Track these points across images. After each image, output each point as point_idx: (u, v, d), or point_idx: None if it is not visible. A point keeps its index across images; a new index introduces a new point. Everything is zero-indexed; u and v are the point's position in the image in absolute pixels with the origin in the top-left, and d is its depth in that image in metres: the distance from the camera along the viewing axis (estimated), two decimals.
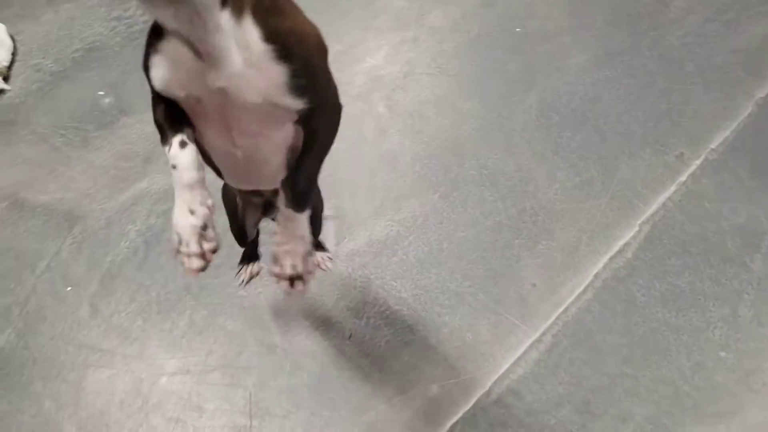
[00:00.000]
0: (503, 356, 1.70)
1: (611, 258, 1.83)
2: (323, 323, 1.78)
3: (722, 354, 1.66)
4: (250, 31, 0.69)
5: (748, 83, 2.11)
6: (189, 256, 0.79)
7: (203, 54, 0.70)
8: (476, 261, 1.85)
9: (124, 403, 1.70)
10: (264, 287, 1.84)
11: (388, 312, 1.79)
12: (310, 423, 1.63)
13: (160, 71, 0.74)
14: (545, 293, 1.78)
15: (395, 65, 2.29)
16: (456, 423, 1.61)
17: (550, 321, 1.74)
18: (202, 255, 0.79)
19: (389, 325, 1.76)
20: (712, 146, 2.00)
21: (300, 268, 0.88)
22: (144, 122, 2.23)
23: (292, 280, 0.89)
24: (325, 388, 1.68)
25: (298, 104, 0.75)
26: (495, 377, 1.67)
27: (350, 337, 1.75)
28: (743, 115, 2.05)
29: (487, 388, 1.66)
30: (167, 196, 2.04)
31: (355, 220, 1.95)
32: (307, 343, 1.75)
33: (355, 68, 2.29)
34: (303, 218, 0.86)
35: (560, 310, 1.75)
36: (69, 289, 1.89)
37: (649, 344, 1.69)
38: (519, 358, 1.69)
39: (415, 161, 2.05)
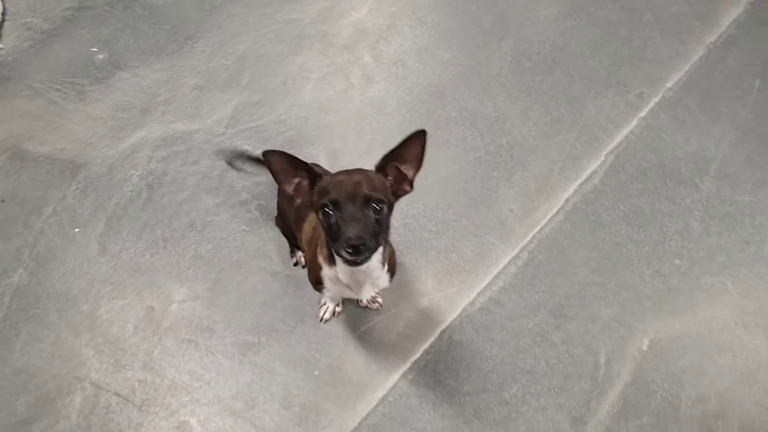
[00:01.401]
0: (485, 272, 1.89)
1: (580, 184, 2.02)
2: None
3: (677, 262, 1.88)
4: (384, 270, 1.38)
5: (700, 29, 2.32)
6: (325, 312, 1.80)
7: (352, 287, 1.39)
8: (459, 192, 2.03)
9: (138, 329, 1.83)
10: (265, 223, 1.98)
11: None
12: (313, 335, 1.79)
13: (327, 292, 1.47)
14: (521, 216, 1.97)
15: (378, 18, 2.43)
16: (445, 330, 1.80)
17: (526, 240, 1.93)
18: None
19: None
20: (669, 85, 2.21)
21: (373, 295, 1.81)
22: (139, 76, 2.33)
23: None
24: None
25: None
26: (478, 289, 1.86)
27: None
28: (695, 58, 2.26)
29: (471, 299, 1.84)
30: (166, 143, 2.15)
31: (347, 160, 2.09)
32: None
33: (341, 22, 2.42)
34: None
35: (535, 230, 1.95)
36: (77, 230, 2.00)
37: (614, 256, 1.89)
38: (499, 273, 1.88)
39: (400, 105, 2.21)
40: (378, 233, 1.15)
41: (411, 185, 1.26)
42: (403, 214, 1.99)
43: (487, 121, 2.16)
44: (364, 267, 1.22)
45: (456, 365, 1.75)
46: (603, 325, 1.79)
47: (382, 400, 1.70)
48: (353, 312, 1.83)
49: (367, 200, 1.11)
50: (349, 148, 2.12)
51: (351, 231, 1.07)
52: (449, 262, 1.91)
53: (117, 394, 1.74)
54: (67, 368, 1.78)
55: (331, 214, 1.13)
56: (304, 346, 1.78)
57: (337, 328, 1.81)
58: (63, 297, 1.89)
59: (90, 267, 1.93)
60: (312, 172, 1.21)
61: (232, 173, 2.08)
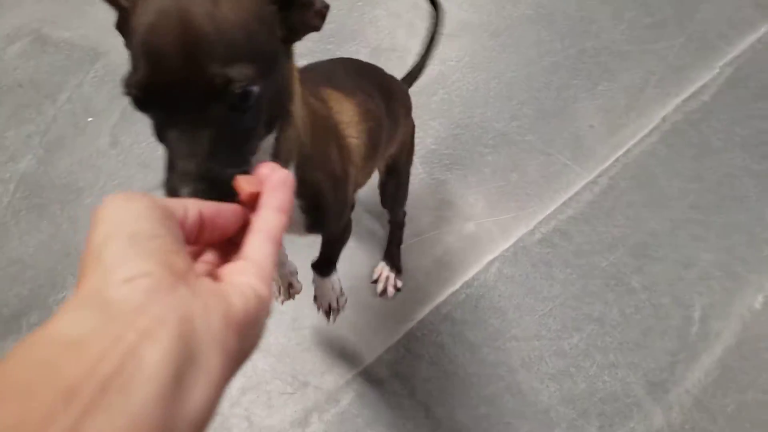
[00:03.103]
0: (551, 197, 1.52)
1: (684, 101, 1.60)
2: None
3: None
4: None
5: None
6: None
7: None
8: (527, 101, 1.65)
9: None
10: None
11: (423, 151, 1.62)
12: None
13: None
14: (604, 135, 1.58)
15: None
16: (493, 261, 1.46)
17: (608, 163, 1.54)
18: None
19: (424, 164, 1.60)
20: None
21: (333, 305, 1.25)
22: None
23: (329, 311, 1.25)
24: (353, 222, 1.55)
25: (313, 234, 0.90)
26: (541, 217, 1.50)
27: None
28: None
29: (531, 227, 1.49)
30: None
31: (393, 57, 1.77)
32: None
33: None
34: (329, 279, 1.18)
35: (620, 152, 1.55)
36: (90, 120, 1.80)
37: (723, 190, 1.47)
38: (569, 199, 1.51)
39: (462, 0, 1.84)
40: (243, 144, 0.52)
41: (322, 16, 0.59)
42: (453, 122, 1.64)
43: (568, 21, 1.76)
44: None
45: (504, 304, 1.41)
46: (701, 273, 1.39)
47: (408, 333, 1.40)
48: (382, 232, 1.52)
49: (214, 90, 0.47)
50: (396, 46, 1.79)
51: (178, 170, 0.48)
52: (507, 182, 1.55)
53: None
54: (63, 263, 1.59)
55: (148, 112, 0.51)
56: None
57: (363, 247, 1.51)
58: (68, 188, 1.70)
59: (99, 159, 1.73)
60: None
61: None
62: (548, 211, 1.50)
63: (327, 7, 0.59)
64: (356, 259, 1.49)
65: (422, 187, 1.57)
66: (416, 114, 1.67)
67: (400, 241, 1.46)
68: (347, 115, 0.94)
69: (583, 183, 1.52)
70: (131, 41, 0.51)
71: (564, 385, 1.32)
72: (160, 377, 0.24)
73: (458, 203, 1.54)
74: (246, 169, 0.50)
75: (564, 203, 1.51)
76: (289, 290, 1.28)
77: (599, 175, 1.53)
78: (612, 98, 1.62)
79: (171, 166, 0.48)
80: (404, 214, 1.42)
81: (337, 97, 0.94)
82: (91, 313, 0.26)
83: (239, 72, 0.48)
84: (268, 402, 1.36)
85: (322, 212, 0.82)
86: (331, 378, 1.36)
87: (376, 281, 1.45)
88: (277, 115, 0.59)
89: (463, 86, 1.70)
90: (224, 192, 0.44)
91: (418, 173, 1.59)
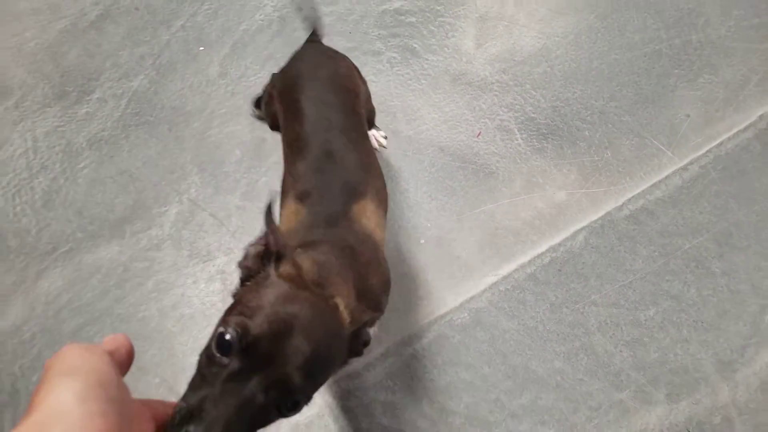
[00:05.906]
0: (642, 177, 1.58)
1: None
2: (453, 118, 1.71)
3: None
4: None
5: None
6: None
7: None
8: (627, 84, 1.71)
9: (245, 157, 1.70)
10: (394, 74, 1.77)
11: (523, 117, 1.69)
12: (425, 203, 1.59)
13: None
14: (699, 125, 1.63)
15: None
16: (580, 230, 1.53)
17: (700, 152, 1.60)
18: None
19: (523, 130, 1.67)
20: None
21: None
22: None
23: None
24: (445, 176, 1.63)
25: None
26: (630, 195, 1.56)
27: (479, 134, 1.67)
28: None
29: (620, 203, 1.56)
30: None
31: (500, 26, 1.82)
32: (432, 135, 1.69)
33: None
34: None
35: (714, 143, 1.60)
36: (201, 48, 1.89)
37: None
38: (659, 182, 1.57)
39: None
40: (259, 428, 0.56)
41: (366, 345, 0.70)
42: (554, 95, 1.70)
43: (676, 12, 1.80)
44: None
45: (586, 271, 1.49)
46: None
47: (492, 286, 1.49)
48: (476, 191, 1.60)
49: (282, 391, 0.55)
50: (504, 13, 1.84)
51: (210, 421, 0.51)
52: (600, 158, 1.62)
53: (213, 216, 1.64)
54: (168, 179, 1.70)
55: (219, 355, 0.55)
56: (414, 211, 1.59)
57: (455, 201, 1.59)
58: (177, 111, 1.79)
59: (208, 87, 1.82)
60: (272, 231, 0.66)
61: (370, 19, 1.87)
62: (638, 190, 1.56)
63: (370, 339, 0.69)
64: (441, 212, 1.58)
65: (518, 153, 1.64)
66: (518, 81, 1.74)
67: None
68: (372, 220, 1.02)
69: (674, 168, 1.58)
70: (244, 312, 0.58)
71: (637, 353, 1.40)
72: None
73: (552, 171, 1.61)
74: None
75: (654, 185, 1.57)
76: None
77: (690, 163, 1.58)
78: (711, 91, 1.67)
79: (201, 407, 0.51)
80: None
81: (360, 213, 1.01)
82: None
83: (308, 393, 0.57)
84: None
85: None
86: (413, 318, 1.46)
87: None
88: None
89: (565, 62, 1.75)
90: None
91: (515, 138, 1.66)
